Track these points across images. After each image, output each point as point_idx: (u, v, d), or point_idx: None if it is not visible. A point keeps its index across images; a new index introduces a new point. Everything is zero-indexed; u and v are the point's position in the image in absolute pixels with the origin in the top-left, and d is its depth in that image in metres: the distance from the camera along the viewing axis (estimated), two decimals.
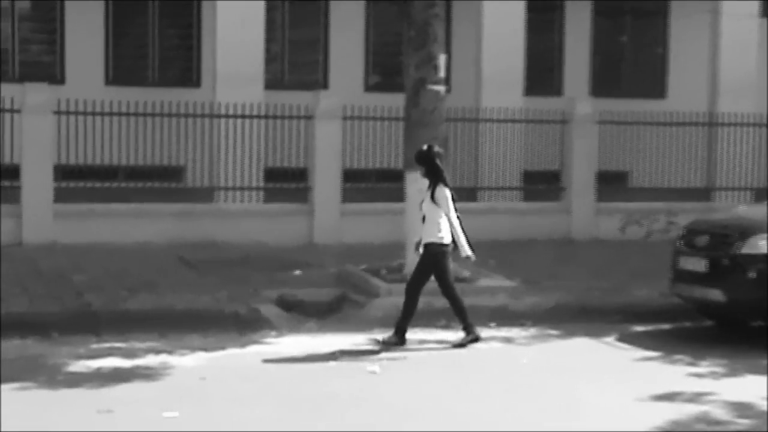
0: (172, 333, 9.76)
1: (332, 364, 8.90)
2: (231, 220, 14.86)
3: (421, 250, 9.59)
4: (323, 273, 12.50)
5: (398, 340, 9.56)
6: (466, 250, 9.68)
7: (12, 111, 14.25)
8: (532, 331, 10.46)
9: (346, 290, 11.45)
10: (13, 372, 8.26)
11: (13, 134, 14.33)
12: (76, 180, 14.96)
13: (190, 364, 8.76)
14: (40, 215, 14.03)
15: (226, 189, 15.35)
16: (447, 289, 9.70)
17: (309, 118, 15.33)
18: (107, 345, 9.29)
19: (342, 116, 15.30)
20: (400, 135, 14.55)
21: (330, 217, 15.10)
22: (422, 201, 9.71)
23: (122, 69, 17.71)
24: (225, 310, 10.41)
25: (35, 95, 14.18)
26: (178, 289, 11.19)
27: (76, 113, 14.58)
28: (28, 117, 14.12)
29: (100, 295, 10.79)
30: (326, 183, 15.16)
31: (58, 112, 14.39)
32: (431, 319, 10.56)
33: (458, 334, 10.21)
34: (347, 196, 15.34)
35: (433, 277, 9.66)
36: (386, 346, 9.48)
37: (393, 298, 10.89)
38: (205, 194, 15.65)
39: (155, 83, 17.60)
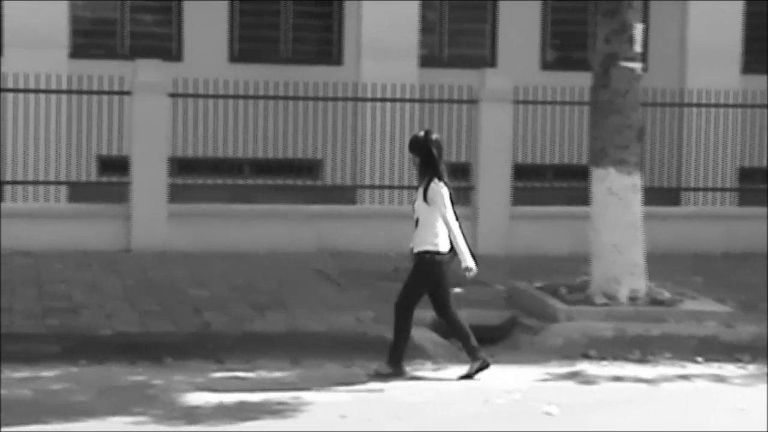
0: (306, 360, 9.86)
1: (500, 402, 8.84)
2: (377, 224, 14.94)
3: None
4: (489, 291, 12.44)
5: (394, 371, 9.47)
6: (466, 260, 9.46)
7: (121, 93, 14.64)
8: (751, 368, 10.19)
9: (517, 312, 11.40)
10: (120, 403, 8.46)
11: (121, 120, 14.73)
12: (195, 175, 15.30)
13: (327, 398, 8.82)
14: (152, 217, 14.38)
15: (372, 187, 15.44)
16: (442, 307, 9.54)
17: (473, 102, 15.31)
18: (230, 374, 9.44)
19: (513, 100, 15.23)
20: (584, 123, 14.42)
21: (497, 222, 15.04)
22: (414, 200, 9.63)
23: (249, 43, 18.01)
24: (370, 333, 10.46)
25: (148, 74, 14.51)
26: (314, 308, 11.31)
27: (196, 96, 14.90)
28: (139, 100, 14.47)
29: (222, 313, 10.98)
30: (493, 181, 15.11)
31: (174, 95, 14.71)
32: (622, 350, 10.42)
33: (656, 369, 10.05)
34: (518, 198, 15.26)
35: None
36: (381, 377, 9.41)
37: (575, 323, 10.80)
38: (347, 194, 15.79)
39: (288, 60, 17.85)
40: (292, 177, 16.15)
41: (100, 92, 14.66)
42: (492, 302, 11.91)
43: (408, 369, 9.65)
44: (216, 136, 15.18)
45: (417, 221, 9.53)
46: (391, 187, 15.42)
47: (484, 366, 9.54)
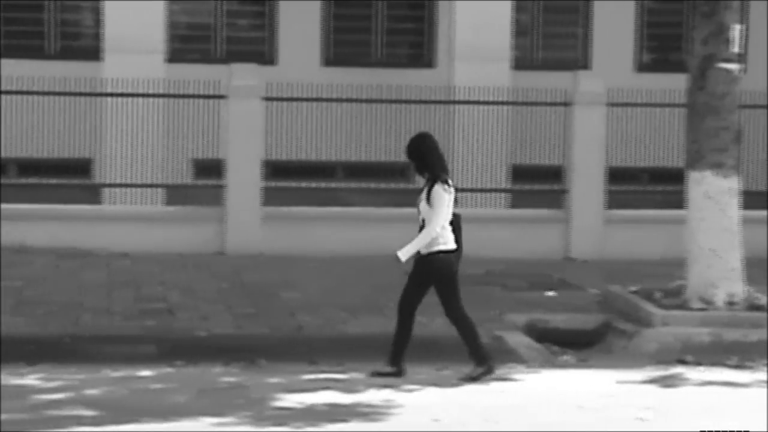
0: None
1: (593, 406, 8.77)
2: (469, 228, 14.78)
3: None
4: (582, 295, 12.37)
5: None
6: (405, 251, 9.27)
7: (216, 97, 14.76)
8: None
9: (611, 317, 11.30)
10: (215, 404, 8.53)
11: (216, 124, 14.86)
12: (288, 178, 15.38)
13: (420, 401, 8.81)
14: (246, 220, 14.48)
15: (464, 191, 15.36)
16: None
17: (566, 104, 15.21)
18: (323, 376, 9.47)
19: (607, 102, 15.10)
20: (680, 126, 14.24)
21: (590, 226, 14.92)
22: (419, 202, 9.50)
23: (342, 47, 18.09)
24: None
25: (243, 78, 14.63)
26: None
27: (289, 99, 14.98)
28: (234, 104, 14.58)
29: (315, 315, 11.03)
30: (586, 184, 15.00)
31: (268, 98, 14.81)
32: (719, 356, 10.28)
33: (754, 375, 9.90)
34: (612, 201, 15.13)
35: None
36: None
37: (670, 328, 10.69)
38: None
39: (381, 63, 17.89)
40: (385, 180, 16.18)
41: (195, 96, 14.80)
42: (585, 306, 11.84)
43: (500, 371, 9.61)
44: (309, 140, 15.27)
45: (422, 222, 9.45)
46: (482, 190, 15.38)
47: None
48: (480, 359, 9.41)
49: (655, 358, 10.26)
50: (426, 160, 9.44)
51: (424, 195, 9.41)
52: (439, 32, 17.88)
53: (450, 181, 9.41)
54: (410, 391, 9.09)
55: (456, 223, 9.49)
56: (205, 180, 15.59)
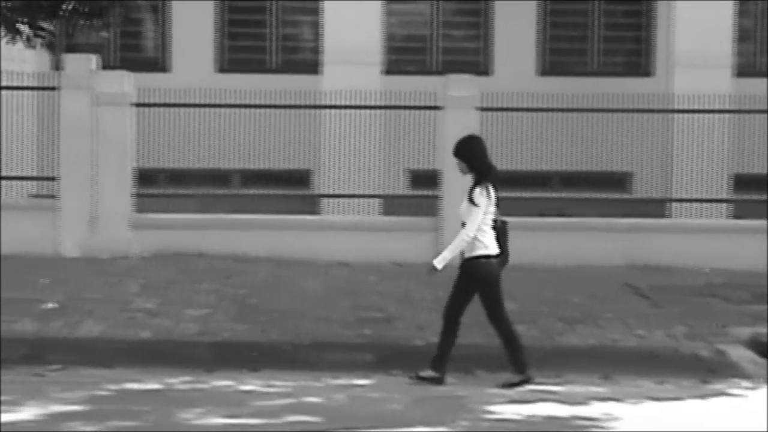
0: (617, 375, 9.71)
1: None
2: (689, 238, 14.57)
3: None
4: None
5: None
6: (440, 259, 9.15)
7: (432, 108, 14.82)
8: None
9: None
10: (432, 413, 8.54)
11: (432, 135, 14.93)
12: (503, 188, 15.26)
13: (639, 414, 8.64)
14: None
15: (683, 201, 15.10)
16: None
17: None
18: (541, 387, 9.37)
19: None
20: None
21: None
22: (462, 203, 9.28)
23: (558, 56, 17.95)
24: (682, 350, 10.22)
25: (458, 89, 14.64)
26: (624, 322, 11.14)
27: (504, 110, 14.94)
28: (450, 114, 14.61)
29: (532, 326, 10.93)
30: None
31: (483, 109, 14.79)
32: None
33: None
34: None
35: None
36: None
37: None
38: (657, 207, 15.49)
39: (597, 72, 17.69)
40: (600, 190, 15.98)
41: (412, 107, 14.90)
42: None
43: (722, 386, 9.34)
44: (524, 149, 15.20)
45: (463, 225, 9.29)
46: (702, 200, 15.04)
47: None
48: (519, 367, 9.30)
49: None
50: (473, 160, 9.34)
51: (466, 196, 9.33)
52: (657, 39, 17.56)
53: (491, 186, 9.24)
54: (630, 403, 8.93)
55: (502, 230, 9.39)
56: (420, 190, 15.67)
